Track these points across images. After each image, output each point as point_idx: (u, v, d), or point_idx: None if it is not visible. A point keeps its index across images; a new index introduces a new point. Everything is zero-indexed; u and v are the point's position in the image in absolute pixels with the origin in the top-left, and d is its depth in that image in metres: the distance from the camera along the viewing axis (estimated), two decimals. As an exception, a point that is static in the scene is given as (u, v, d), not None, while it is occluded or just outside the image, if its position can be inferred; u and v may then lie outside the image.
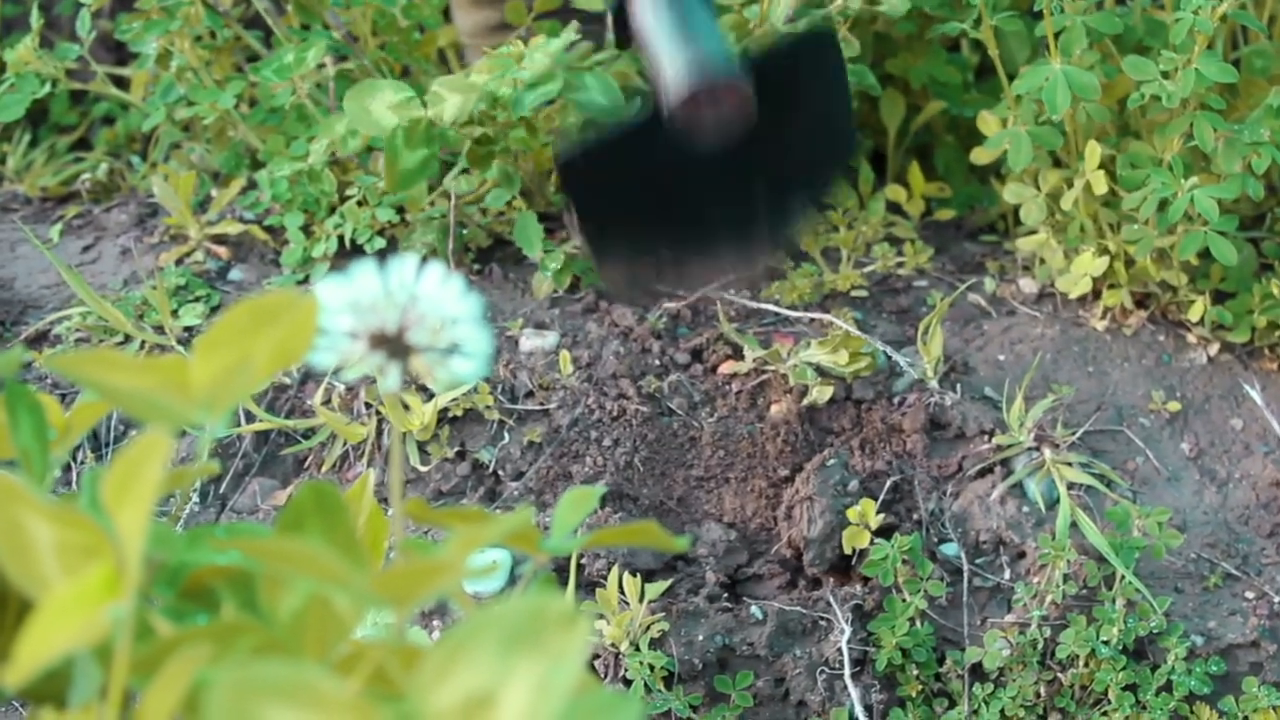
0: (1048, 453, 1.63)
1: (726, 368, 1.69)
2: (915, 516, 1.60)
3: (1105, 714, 1.47)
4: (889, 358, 1.72)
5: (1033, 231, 1.82)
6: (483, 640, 0.55)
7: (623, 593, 1.47)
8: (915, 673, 1.49)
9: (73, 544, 0.60)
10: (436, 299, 0.66)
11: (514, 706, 0.53)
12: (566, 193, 1.28)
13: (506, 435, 1.62)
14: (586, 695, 0.55)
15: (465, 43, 1.99)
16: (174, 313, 1.74)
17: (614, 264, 1.36)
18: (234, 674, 0.53)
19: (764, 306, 1.78)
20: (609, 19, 1.26)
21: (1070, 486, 1.61)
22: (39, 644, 0.56)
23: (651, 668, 1.45)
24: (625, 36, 1.24)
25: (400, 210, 1.80)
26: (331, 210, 1.82)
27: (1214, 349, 1.78)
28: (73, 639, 0.57)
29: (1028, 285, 1.85)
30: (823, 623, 1.51)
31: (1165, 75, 1.59)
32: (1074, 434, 1.66)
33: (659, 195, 1.32)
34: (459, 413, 1.62)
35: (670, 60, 1.18)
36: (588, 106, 1.59)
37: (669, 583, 1.52)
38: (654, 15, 1.20)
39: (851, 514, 1.53)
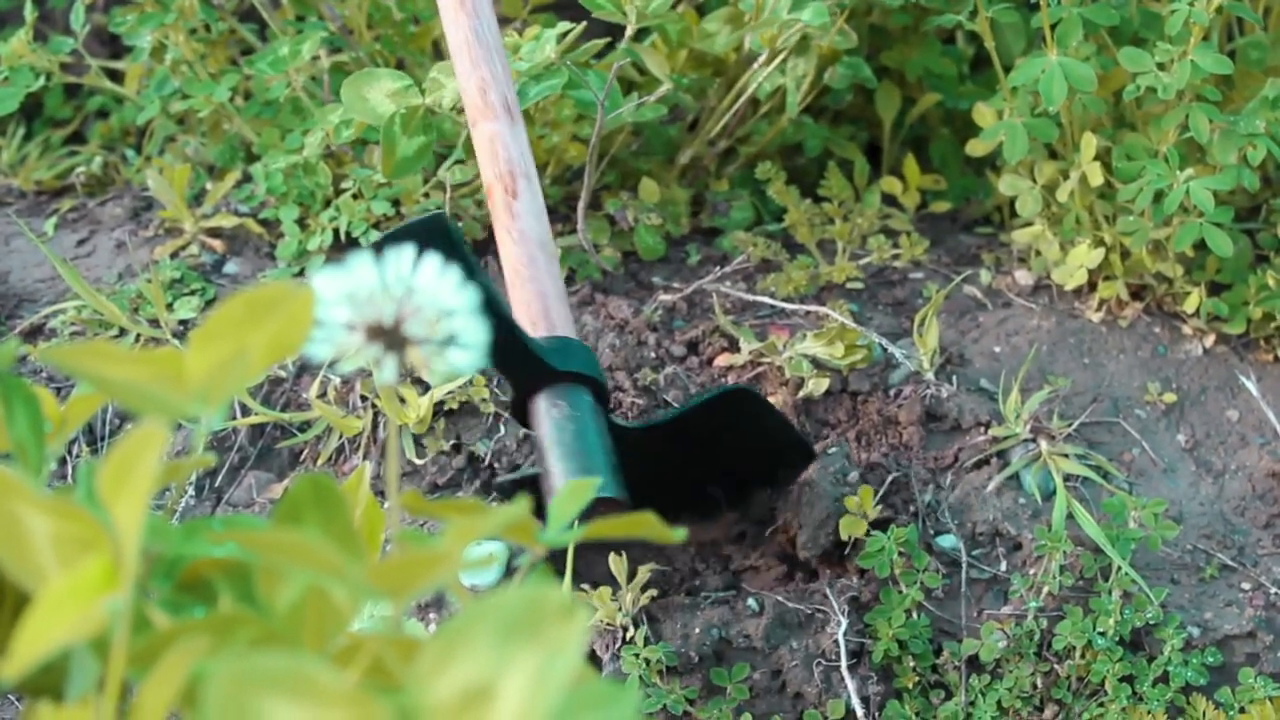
0: (1044, 444, 1.63)
1: (722, 360, 1.69)
2: (911, 508, 1.60)
3: (1102, 705, 1.48)
4: (885, 350, 1.72)
5: (1028, 223, 1.82)
6: (480, 631, 0.55)
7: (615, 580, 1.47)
8: (912, 664, 1.49)
9: (69, 536, 0.60)
10: (433, 290, 0.65)
11: (512, 697, 0.52)
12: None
13: (502, 428, 1.62)
14: (584, 686, 0.55)
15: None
16: (169, 306, 1.74)
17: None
18: (232, 666, 0.53)
19: (759, 299, 1.78)
20: (514, 408, 1.37)
21: (1066, 478, 1.61)
22: (36, 637, 0.56)
23: (647, 661, 1.45)
24: (525, 425, 1.35)
25: (396, 203, 1.80)
26: (326, 203, 1.82)
27: (1210, 340, 1.78)
28: (70, 632, 0.57)
29: (1023, 277, 1.85)
30: (819, 615, 1.51)
31: (1161, 67, 1.59)
32: (1070, 425, 1.66)
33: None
34: (454, 405, 1.62)
35: (557, 475, 1.29)
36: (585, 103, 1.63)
37: (664, 568, 1.52)
38: (548, 429, 1.31)
39: (849, 503, 1.53)
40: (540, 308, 1.37)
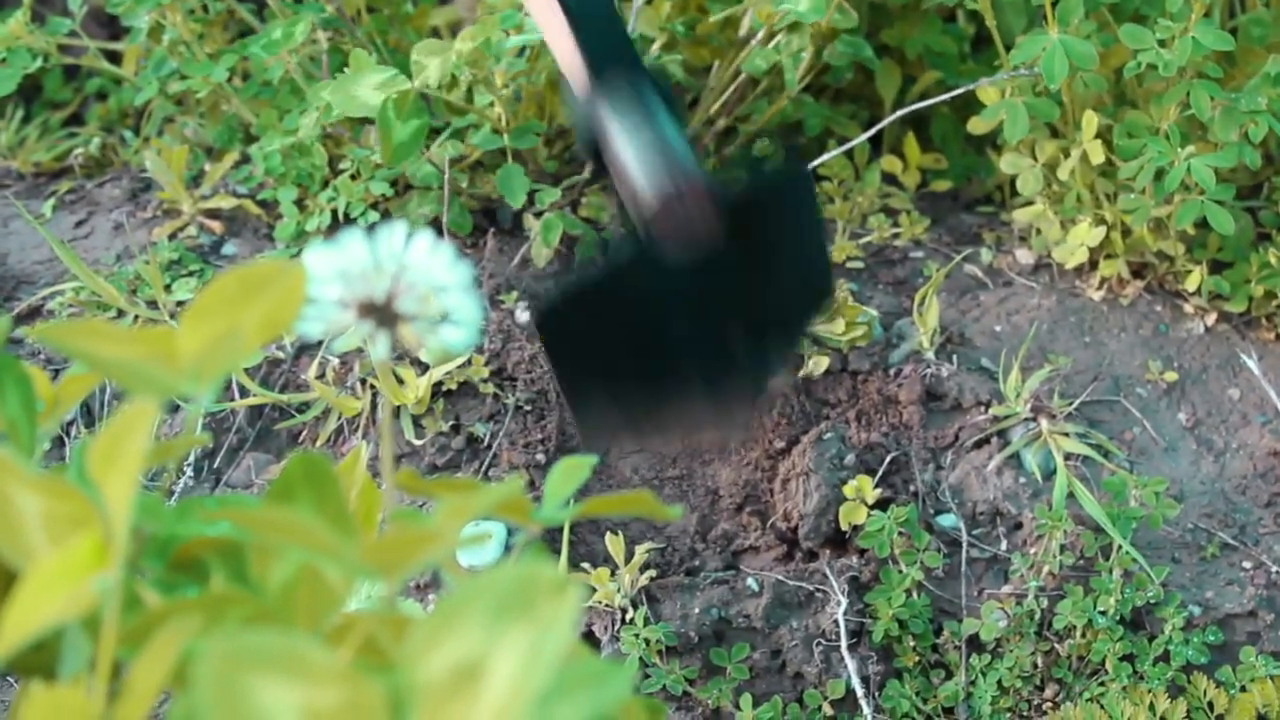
0: (1044, 423, 1.62)
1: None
2: (911, 488, 1.60)
3: (1102, 684, 1.47)
4: (885, 328, 1.71)
5: (1029, 202, 1.82)
6: (473, 609, 0.55)
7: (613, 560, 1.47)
8: (912, 644, 1.49)
9: (60, 515, 0.60)
10: (425, 267, 0.65)
11: (502, 675, 0.52)
12: (543, 342, 1.27)
13: (502, 408, 1.61)
14: (576, 663, 0.54)
15: (465, 18, 1.99)
16: (167, 287, 1.74)
17: (590, 415, 1.33)
18: (223, 645, 0.53)
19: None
20: (584, 151, 1.25)
21: (1067, 457, 1.60)
22: (25, 615, 0.56)
23: (647, 641, 1.45)
24: (601, 167, 1.24)
25: (394, 183, 1.80)
26: (325, 184, 1.82)
27: (1211, 319, 1.77)
28: (60, 610, 0.56)
29: (1024, 256, 1.85)
30: (819, 594, 1.51)
31: (1162, 44, 1.58)
32: (1071, 404, 1.65)
33: (636, 346, 1.30)
34: (453, 386, 1.61)
35: (641, 172, 1.19)
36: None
37: (661, 546, 1.52)
38: (624, 139, 1.21)
39: (848, 490, 1.53)
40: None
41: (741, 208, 1.25)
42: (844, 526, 1.53)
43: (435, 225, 1.78)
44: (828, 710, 1.44)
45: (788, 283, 1.24)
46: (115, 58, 2.01)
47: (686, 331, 1.30)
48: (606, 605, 1.46)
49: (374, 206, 1.79)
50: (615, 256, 1.27)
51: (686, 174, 1.18)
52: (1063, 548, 1.52)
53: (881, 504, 1.54)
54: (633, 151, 1.19)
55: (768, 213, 1.26)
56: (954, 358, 1.70)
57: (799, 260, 1.28)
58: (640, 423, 1.35)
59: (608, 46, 1.21)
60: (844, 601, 1.49)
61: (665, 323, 1.29)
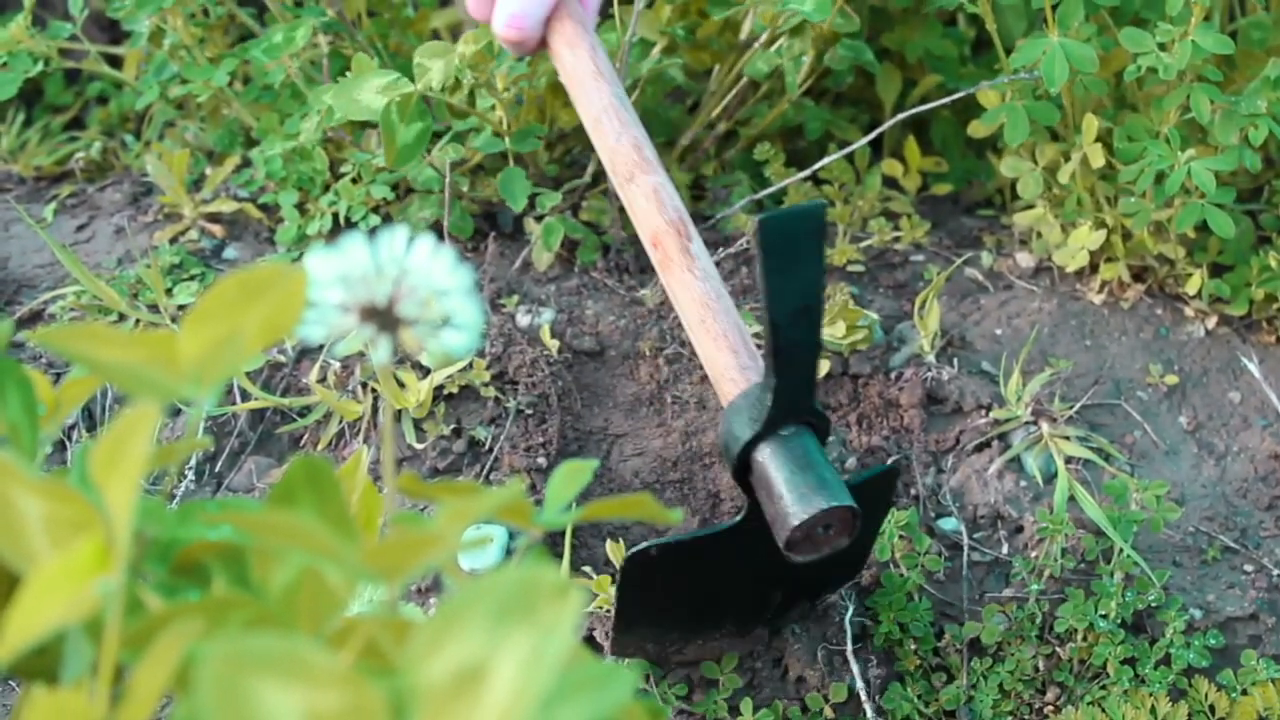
0: (1045, 427, 1.62)
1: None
2: (913, 491, 1.60)
3: (1104, 688, 1.47)
4: (886, 332, 1.71)
5: (1030, 205, 1.82)
6: (474, 612, 0.55)
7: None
8: (913, 647, 1.49)
9: (62, 518, 0.60)
10: (427, 271, 0.65)
11: (504, 678, 0.52)
12: (622, 579, 1.37)
13: (503, 412, 1.61)
14: (578, 667, 0.54)
15: (466, 20, 1.98)
16: (168, 291, 1.74)
17: (634, 640, 1.45)
18: (225, 648, 0.53)
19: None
20: (731, 454, 1.32)
21: (1068, 460, 1.60)
22: (28, 619, 0.56)
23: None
24: (746, 481, 1.31)
25: (395, 187, 1.80)
26: (326, 188, 1.82)
27: (1212, 322, 1.77)
28: (62, 614, 0.56)
29: (1025, 259, 1.85)
30: (820, 598, 1.51)
31: (1162, 47, 1.58)
32: (1071, 408, 1.65)
33: (694, 595, 1.42)
34: (454, 390, 1.61)
35: (793, 488, 1.26)
36: None
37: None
38: (778, 455, 1.28)
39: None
40: (738, 337, 1.36)
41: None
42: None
43: (436, 229, 1.78)
44: (829, 714, 1.44)
45: (834, 559, 1.33)
46: (116, 62, 2.01)
47: (737, 589, 1.41)
48: (608, 609, 1.46)
49: (375, 210, 1.79)
50: (719, 529, 1.36)
51: (839, 501, 1.25)
52: (1064, 551, 1.52)
53: (882, 507, 1.54)
54: (790, 478, 1.27)
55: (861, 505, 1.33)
56: (955, 361, 1.70)
57: (854, 545, 1.36)
58: (669, 647, 1.47)
59: (800, 388, 1.27)
60: (849, 606, 1.49)
61: (725, 583, 1.41)
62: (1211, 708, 1.46)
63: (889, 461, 1.60)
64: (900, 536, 1.51)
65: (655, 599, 1.39)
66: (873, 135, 1.83)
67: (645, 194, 1.43)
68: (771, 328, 1.20)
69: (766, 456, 1.28)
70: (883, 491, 1.40)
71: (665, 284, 1.41)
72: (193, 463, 1.63)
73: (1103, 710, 1.44)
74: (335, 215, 1.79)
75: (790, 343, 1.22)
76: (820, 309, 1.23)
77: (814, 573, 1.39)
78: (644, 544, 1.33)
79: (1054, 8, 1.61)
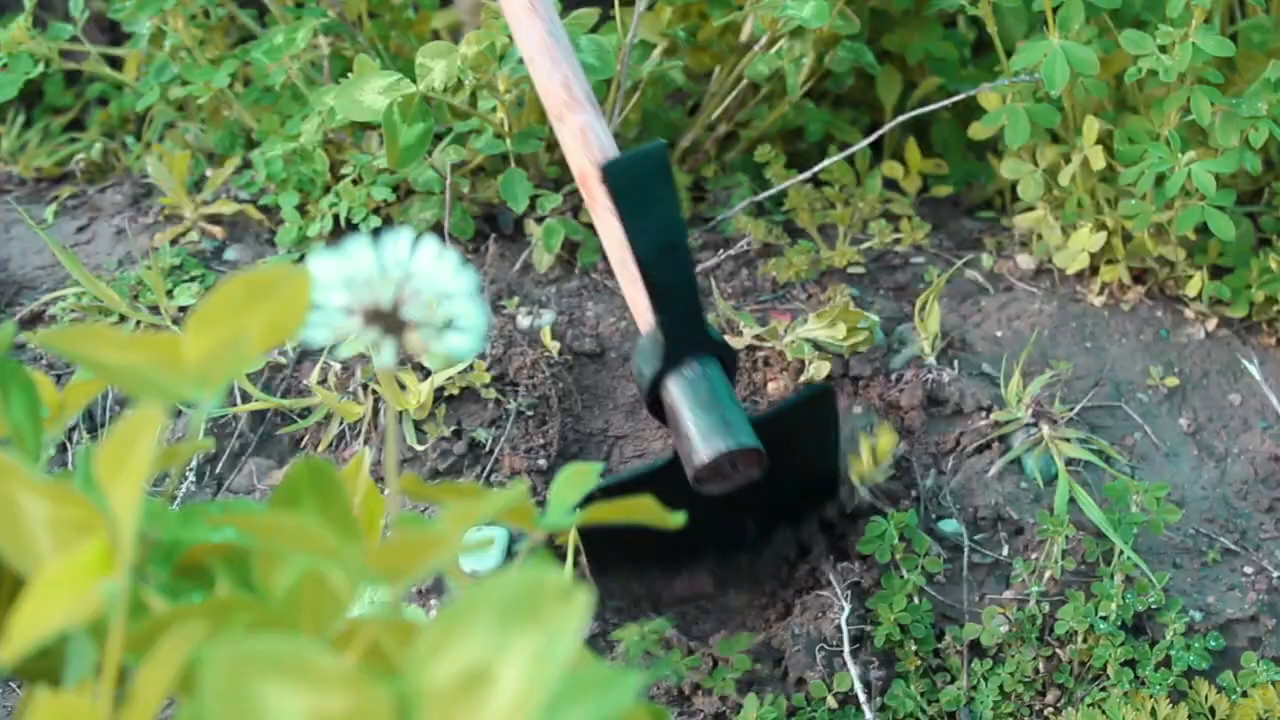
0: (1046, 428, 1.62)
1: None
2: (913, 493, 1.60)
3: (1104, 689, 1.47)
4: (886, 334, 1.71)
5: (1030, 207, 1.82)
6: (479, 614, 0.55)
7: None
8: (914, 649, 1.49)
9: (66, 520, 0.59)
10: (431, 274, 0.65)
11: (510, 680, 0.52)
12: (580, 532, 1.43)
13: (503, 413, 1.61)
14: (583, 669, 0.54)
15: (465, 21, 1.98)
16: (169, 293, 1.74)
17: (610, 577, 1.49)
18: (229, 650, 0.53)
19: (760, 284, 1.77)
20: (642, 389, 1.38)
21: (1068, 462, 1.60)
22: (32, 621, 0.56)
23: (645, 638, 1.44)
24: (659, 410, 1.37)
25: (395, 188, 1.80)
26: (326, 189, 1.82)
27: (1212, 324, 1.77)
28: (66, 615, 0.56)
29: (1025, 261, 1.85)
30: (821, 599, 1.51)
31: (1163, 49, 1.58)
32: (1072, 410, 1.65)
33: (661, 531, 1.44)
34: (455, 391, 1.61)
35: (697, 428, 1.32)
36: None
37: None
38: (683, 394, 1.34)
39: (862, 454, 1.53)
40: None
41: (769, 427, 1.37)
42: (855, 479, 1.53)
43: (437, 230, 1.78)
44: (832, 704, 1.44)
45: (798, 481, 1.40)
46: (117, 63, 2.01)
47: (706, 519, 1.42)
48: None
49: (376, 211, 1.79)
50: (659, 463, 1.41)
51: (740, 443, 1.31)
52: (1064, 553, 1.52)
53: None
54: (694, 419, 1.33)
55: (791, 428, 1.39)
56: (955, 363, 1.70)
57: (813, 464, 1.43)
58: (651, 582, 1.50)
59: (683, 321, 1.33)
60: (846, 607, 1.49)
61: (688, 515, 1.40)
62: (1212, 710, 1.46)
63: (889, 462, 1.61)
64: (901, 538, 1.51)
65: (622, 538, 1.40)
66: (873, 137, 1.83)
67: (573, 132, 1.44)
68: (641, 268, 1.26)
69: (673, 397, 1.33)
70: (821, 411, 1.45)
71: (595, 224, 1.45)
72: (193, 464, 1.63)
73: (1103, 712, 1.44)
74: (336, 217, 1.79)
75: (662, 280, 1.28)
76: (685, 246, 1.28)
77: (784, 497, 1.44)
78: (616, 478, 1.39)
79: (1055, 10, 1.61)
